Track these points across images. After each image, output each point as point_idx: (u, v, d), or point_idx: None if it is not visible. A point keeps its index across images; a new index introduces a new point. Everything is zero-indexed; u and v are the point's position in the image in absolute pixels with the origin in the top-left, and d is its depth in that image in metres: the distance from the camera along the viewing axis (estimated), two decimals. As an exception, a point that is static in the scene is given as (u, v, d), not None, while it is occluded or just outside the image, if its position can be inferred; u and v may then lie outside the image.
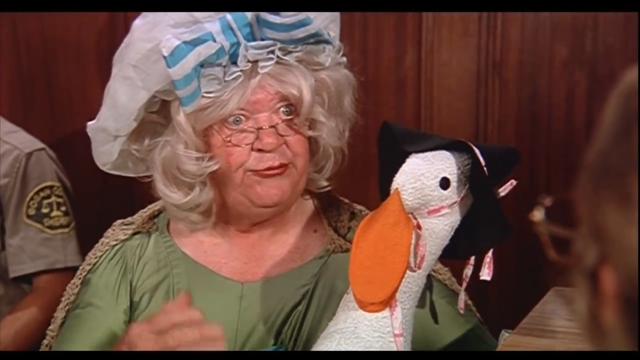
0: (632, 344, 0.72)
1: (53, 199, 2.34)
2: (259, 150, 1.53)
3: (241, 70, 1.50)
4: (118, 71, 1.57)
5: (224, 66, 1.50)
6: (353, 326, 1.38)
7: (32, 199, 2.32)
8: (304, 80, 1.53)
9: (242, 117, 1.53)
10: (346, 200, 1.74)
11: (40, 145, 2.38)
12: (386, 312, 1.36)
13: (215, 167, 1.55)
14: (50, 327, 1.75)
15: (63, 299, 1.74)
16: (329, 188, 1.68)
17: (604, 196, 0.73)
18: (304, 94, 1.52)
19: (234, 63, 1.51)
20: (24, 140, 2.37)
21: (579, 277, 0.77)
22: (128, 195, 2.55)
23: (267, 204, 1.57)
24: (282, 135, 1.54)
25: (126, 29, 2.69)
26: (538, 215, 0.83)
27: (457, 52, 2.41)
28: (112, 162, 1.66)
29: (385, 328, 1.37)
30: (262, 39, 1.51)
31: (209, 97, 1.51)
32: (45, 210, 2.33)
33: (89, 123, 1.64)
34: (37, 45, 2.66)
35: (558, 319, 1.46)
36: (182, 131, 1.54)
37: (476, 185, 1.35)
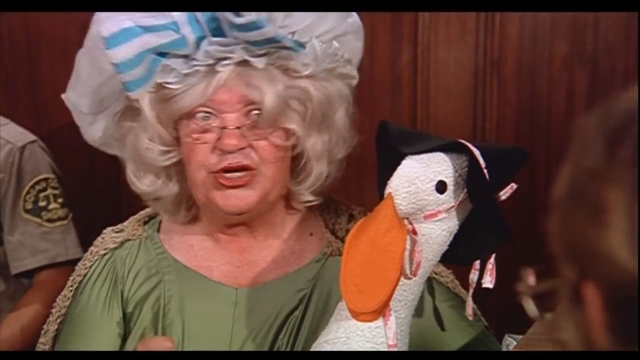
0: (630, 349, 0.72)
1: (49, 191, 2.30)
2: (221, 150, 1.47)
3: (203, 65, 1.45)
4: (87, 43, 1.54)
5: (188, 58, 1.45)
6: (345, 336, 1.32)
7: (28, 192, 2.28)
8: (269, 85, 1.46)
9: (209, 115, 1.48)
10: (345, 202, 1.68)
11: (32, 137, 2.33)
12: (379, 322, 1.30)
13: (169, 162, 1.53)
14: (41, 339, 1.69)
15: (54, 311, 1.68)
16: (314, 203, 1.60)
17: (574, 215, 0.74)
18: (266, 99, 1.45)
19: (194, 59, 1.46)
20: (15, 133, 2.32)
21: (564, 302, 0.77)
22: (115, 192, 2.50)
23: (228, 212, 1.51)
24: (247, 138, 1.48)
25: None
26: (522, 286, 0.86)
27: (454, 50, 2.36)
28: (98, 139, 1.62)
29: (378, 338, 1.31)
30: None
31: (169, 89, 1.47)
32: (42, 204, 2.29)
33: (62, 95, 1.62)
34: (21, 41, 2.61)
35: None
36: (145, 118, 1.50)
37: (474, 188, 1.28)
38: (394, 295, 1.29)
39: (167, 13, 1.44)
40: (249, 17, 1.40)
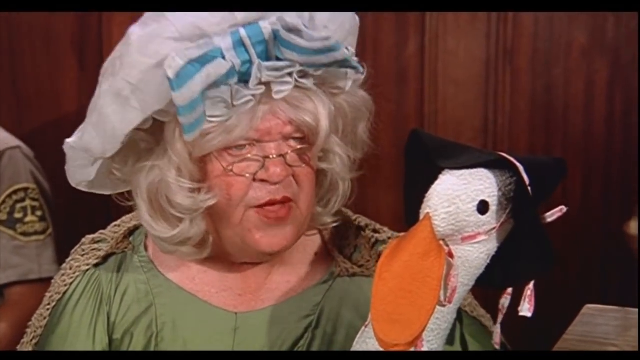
0: None
1: (28, 202, 2.27)
2: (263, 181, 1.41)
3: (253, 94, 1.38)
4: (109, 87, 1.42)
5: (232, 86, 1.37)
6: (373, 369, 1.28)
7: (4, 202, 2.25)
8: (322, 108, 1.41)
9: (246, 144, 1.41)
10: (349, 213, 1.63)
11: (15, 143, 2.30)
12: (412, 353, 1.26)
13: (212, 202, 1.43)
14: None
15: (28, 331, 1.61)
16: (334, 224, 1.56)
17: None
18: (321, 124, 1.41)
19: (243, 82, 1.38)
20: None
21: None
22: (103, 197, 2.45)
23: (266, 252, 1.46)
24: (290, 166, 1.42)
25: (99, 14, 2.64)
26: (634, 227, 0.76)
27: (464, 38, 2.36)
28: (89, 181, 1.54)
29: (410, 371, 1.27)
30: (278, 58, 1.38)
31: (213, 122, 1.38)
32: (18, 215, 2.26)
33: (68, 140, 1.49)
34: (2, 32, 2.59)
35: (598, 343, 1.37)
36: (177, 157, 1.41)
37: (520, 211, 1.24)
38: (428, 325, 1.25)
39: (206, 40, 1.35)
40: (324, 41, 1.35)
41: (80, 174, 1.53)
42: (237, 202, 1.42)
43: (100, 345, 1.53)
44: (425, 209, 1.23)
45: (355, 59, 1.43)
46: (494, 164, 1.25)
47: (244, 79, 1.37)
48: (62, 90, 2.54)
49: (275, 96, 1.38)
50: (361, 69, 1.44)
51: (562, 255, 2.34)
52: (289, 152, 1.42)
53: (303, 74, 1.39)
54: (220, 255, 1.52)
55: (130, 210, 1.62)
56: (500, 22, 2.31)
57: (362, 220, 1.62)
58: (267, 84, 1.38)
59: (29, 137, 2.38)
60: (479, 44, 2.34)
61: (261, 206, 1.42)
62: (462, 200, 1.22)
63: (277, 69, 1.37)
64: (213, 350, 1.50)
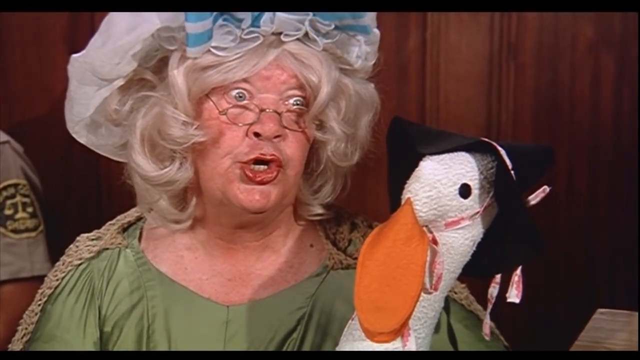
0: None
1: (18, 198, 2.27)
2: (255, 134, 1.44)
3: (261, 32, 1.43)
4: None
5: (244, 29, 1.42)
6: (358, 360, 1.29)
7: None
8: (327, 69, 1.46)
9: (245, 94, 1.45)
10: (345, 208, 1.66)
11: (4, 138, 2.31)
12: (397, 343, 1.27)
13: (202, 138, 1.45)
14: None
15: (19, 328, 1.64)
16: (323, 217, 1.60)
17: None
18: (323, 83, 1.45)
19: (256, 26, 1.43)
20: None
21: None
22: (95, 193, 2.48)
23: (248, 209, 1.47)
24: (285, 128, 1.46)
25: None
26: None
27: (466, 33, 2.36)
28: (84, 120, 1.56)
29: (396, 361, 1.28)
30: None
31: (217, 55, 1.43)
32: (8, 212, 2.26)
33: (75, 55, 1.52)
34: None
35: (609, 349, 1.39)
36: (175, 89, 1.45)
37: (502, 192, 1.26)
38: (414, 313, 1.27)
39: None
40: None
41: (78, 109, 1.55)
42: (225, 152, 1.45)
43: (91, 338, 1.56)
44: (406, 194, 1.24)
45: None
46: (474, 148, 1.26)
47: (256, 24, 1.42)
48: (53, 86, 2.56)
49: (284, 38, 1.43)
50: (370, 33, 1.49)
51: (569, 252, 2.34)
52: (285, 111, 1.45)
53: (316, 31, 1.44)
54: (207, 233, 1.56)
55: (122, 207, 1.65)
56: (503, 17, 2.32)
57: (357, 216, 1.65)
58: (278, 35, 1.43)
59: (20, 132, 2.39)
60: (482, 39, 2.35)
61: (247, 162, 1.44)
62: (443, 184, 1.24)
63: (292, 14, 1.43)
64: (206, 351, 1.52)
